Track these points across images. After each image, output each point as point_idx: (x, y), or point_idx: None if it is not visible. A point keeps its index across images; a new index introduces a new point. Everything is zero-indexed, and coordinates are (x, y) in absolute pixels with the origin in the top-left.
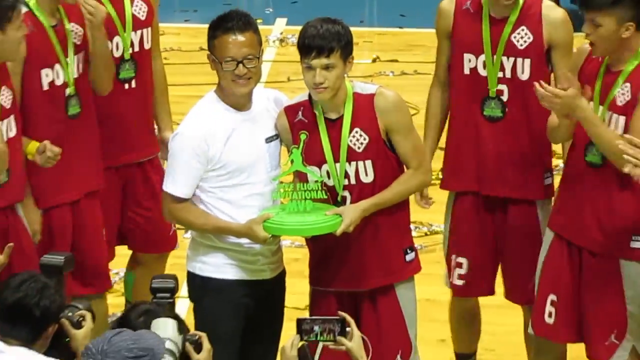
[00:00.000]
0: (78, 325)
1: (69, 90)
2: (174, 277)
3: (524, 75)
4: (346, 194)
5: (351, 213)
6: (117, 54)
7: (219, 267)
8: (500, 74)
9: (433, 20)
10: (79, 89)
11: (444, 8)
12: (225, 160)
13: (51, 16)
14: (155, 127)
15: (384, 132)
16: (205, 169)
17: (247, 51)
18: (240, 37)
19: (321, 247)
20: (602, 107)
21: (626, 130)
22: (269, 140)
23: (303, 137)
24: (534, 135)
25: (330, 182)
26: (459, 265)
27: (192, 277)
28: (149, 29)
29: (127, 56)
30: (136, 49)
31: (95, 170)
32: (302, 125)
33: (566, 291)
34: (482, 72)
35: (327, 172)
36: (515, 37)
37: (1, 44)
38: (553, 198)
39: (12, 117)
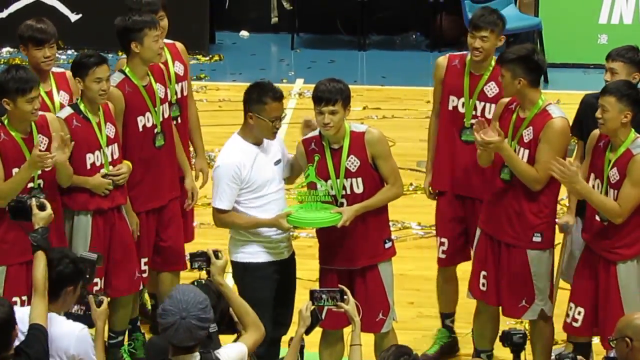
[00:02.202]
0: (99, 304)
1: (156, 130)
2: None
3: (490, 115)
4: (343, 200)
5: (348, 213)
6: (149, 125)
7: (253, 254)
8: (474, 112)
9: (406, 81)
10: (163, 128)
11: (440, 62)
12: (253, 179)
13: (142, 79)
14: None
15: (371, 158)
16: (240, 187)
17: (282, 112)
18: (281, 104)
19: (327, 237)
20: (513, 141)
21: (530, 159)
22: (276, 163)
23: (317, 158)
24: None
25: (333, 192)
26: (442, 244)
27: (235, 265)
28: (185, 82)
29: (173, 101)
30: (178, 95)
31: (175, 183)
32: (314, 152)
33: (491, 268)
34: (461, 109)
35: (331, 185)
36: (486, 88)
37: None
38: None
39: (115, 145)
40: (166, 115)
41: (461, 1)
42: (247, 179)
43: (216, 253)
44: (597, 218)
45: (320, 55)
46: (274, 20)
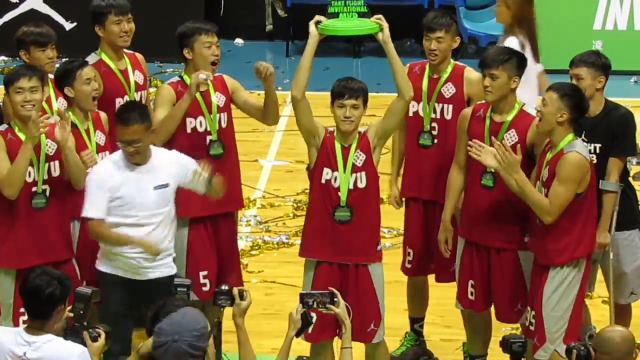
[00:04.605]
0: (94, 339)
1: (210, 137)
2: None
3: (449, 116)
4: (346, 195)
5: (387, 30)
6: (201, 129)
7: (111, 266)
8: (433, 115)
9: None
10: (221, 136)
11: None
12: (122, 195)
13: (202, 85)
14: None
15: (373, 144)
16: (110, 198)
17: (132, 136)
18: (128, 127)
19: (328, 234)
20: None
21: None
22: (157, 187)
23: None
24: (451, 158)
25: (336, 184)
26: (408, 254)
27: (96, 271)
28: (145, 91)
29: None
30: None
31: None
32: (329, 143)
33: (478, 277)
34: (421, 113)
35: (335, 177)
36: (444, 89)
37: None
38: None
39: (106, 153)
40: (224, 125)
41: (455, 9)
42: (115, 192)
43: (242, 293)
44: (537, 221)
45: (314, 63)
46: (269, 28)
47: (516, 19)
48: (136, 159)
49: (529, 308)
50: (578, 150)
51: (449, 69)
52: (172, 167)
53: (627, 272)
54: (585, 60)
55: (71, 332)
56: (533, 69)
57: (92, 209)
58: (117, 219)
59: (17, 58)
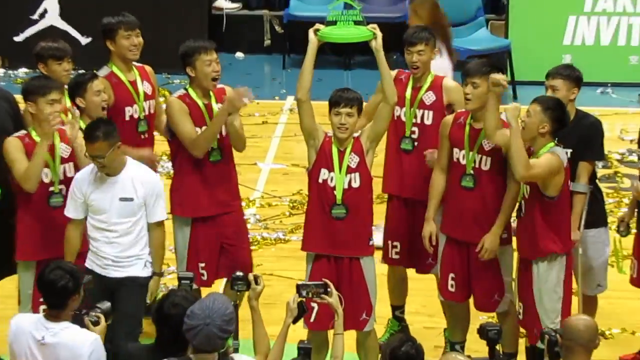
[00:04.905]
0: (95, 323)
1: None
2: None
3: (429, 121)
4: (342, 194)
5: (380, 38)
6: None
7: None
8: (414, 121)
9: None
10: (219, 143)
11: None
12: (91, 201)
13: (204, 98)
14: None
15: (366, 152)
16: (84, 202)
17: (96, 152)
18: (94, 145)
19: (325, 229)
20: (472, 152)
21: (493, 165)
22: (122, 200)
23: None
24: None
25: (332, 184)
26: (394, 246)
27: None
28: (153, 100)
29: (142, 117)
30: (146, 112)
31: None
32: (327, 146)
33: (459, 270)
34: (403, 118)
35: (332, 178)
36: (425, 97)
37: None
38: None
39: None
40: (224, 134)
41: None
42: (88, 196)
43: (256, 279)
44: (521, 215)
45: None
46: (267, 42)
47: (429, 26)
48: (103, 171)
49: (518, 302)
50: (557, 152)
51: (430, 79)
52: (139, 185)
53: (594, 266)
54: (561, 73)
55: (76, 320)
56: (449, 67)
57: (69, 209)
58: (92, 221)
59: (37, 70)
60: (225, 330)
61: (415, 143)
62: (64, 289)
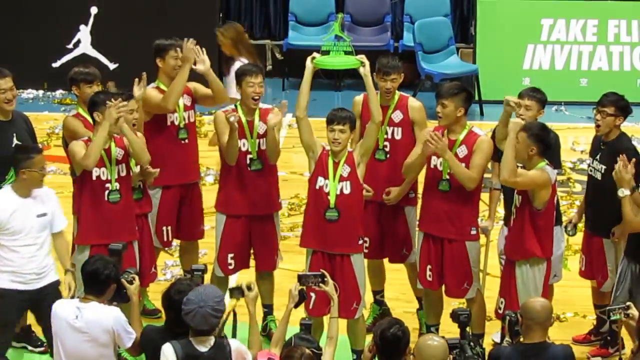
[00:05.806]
0: (131, 282)
1: (251, 156)
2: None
3: (398, 137)
4: (334, 199)
5: (368, 66)
6: (243, 149)
7: (2, 280)
8: (385, 136)
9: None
10: (259, 155)
11: (357, 100)
12: (10, 225)
13: (248, 115)
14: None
15: (357, 164)
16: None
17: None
18: (42, 155)
19: (320, 229)
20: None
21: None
22: (40, 216)
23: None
24: (400, 170)
25: (327, 190)
26: (365, 241)
27: None
28: (192, 111)
29: (182, 125)
30: (186, 121)
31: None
32: (324, 157)
33: (434, 262)
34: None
35: (326, 185)
36: (393, 116)
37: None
38: (417, 207)
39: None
40: (263, 147)
41: (415, 52)
42: (4, 223)
43: (249, 287)
44: (511, 223)
45: None
46: (269, 68)
47: (234, 47)
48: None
49: (498, 296)
50: (547, 171)
51: (396, 99)
52: (47, 199)
53: (552, 259)
54: (534, 95)
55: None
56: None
57: None
58: (8, 243)
59: (71, 92)
60: (217, 310)
61: (388, 155)
62: (107, 278)
